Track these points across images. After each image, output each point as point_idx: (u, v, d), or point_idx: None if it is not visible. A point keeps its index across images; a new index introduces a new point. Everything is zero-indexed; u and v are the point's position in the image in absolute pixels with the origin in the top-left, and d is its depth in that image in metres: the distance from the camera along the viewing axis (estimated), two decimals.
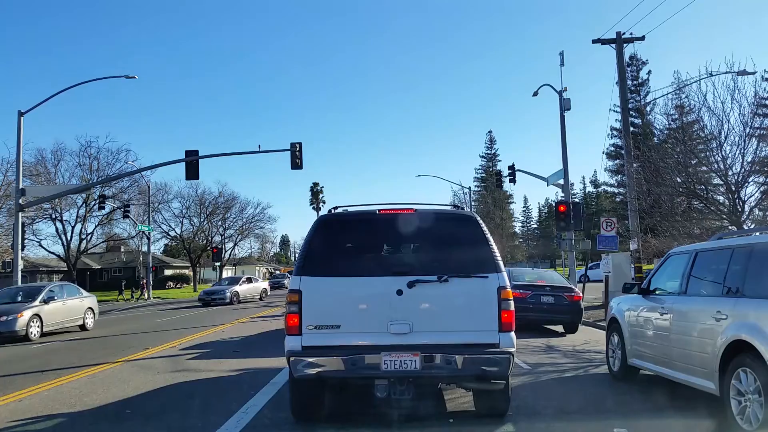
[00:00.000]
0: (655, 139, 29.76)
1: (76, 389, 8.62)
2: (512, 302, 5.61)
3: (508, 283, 5.67)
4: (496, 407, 6.22)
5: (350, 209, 6.55)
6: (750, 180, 14.11)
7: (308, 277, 5.68)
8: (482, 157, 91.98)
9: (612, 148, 55.98)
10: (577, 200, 45.02)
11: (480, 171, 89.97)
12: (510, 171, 33.02)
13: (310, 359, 5.45)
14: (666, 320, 7.04)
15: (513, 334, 5.58)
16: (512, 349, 5.51)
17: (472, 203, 63.07)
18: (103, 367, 10.77)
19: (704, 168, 14.96)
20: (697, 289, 6.77)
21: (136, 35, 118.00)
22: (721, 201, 14.52)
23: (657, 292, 7.76)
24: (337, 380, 5.70)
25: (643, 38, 22.10)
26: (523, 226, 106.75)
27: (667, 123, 22.12)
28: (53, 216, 49.96)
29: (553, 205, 43.36)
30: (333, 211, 6.47)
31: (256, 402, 7.24)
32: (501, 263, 5.78)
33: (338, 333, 5.55)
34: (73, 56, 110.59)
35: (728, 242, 6.61)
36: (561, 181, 28.48)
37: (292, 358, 5.51)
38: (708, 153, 14.74)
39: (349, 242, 6.28)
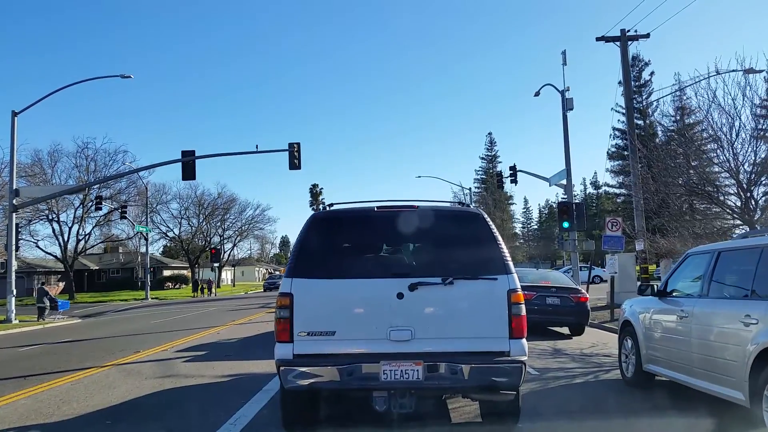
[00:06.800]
0: (657, 140, 29.32)
1: (57, 397, 8.12)
2: (524, 306, 5.13)
3: (518, 286, 5.19)
4: (504, 419, 5.74)
5: (347, 206, 6.05)
6: (763, 179, 13.63)
7: (300, 279, 5.18)
8: (482, 158, 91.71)
9: (614, 149, 55.65)
10: (578, 201, 44.55)
11: (480, 172, 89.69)
12: (511, 171, 32.65)
13: (303, 369, 4.95)
14: (686, 324, 6.56)
15: (524, 341, 5.10)
16: (524, 358, 5.04)
17: (473, 204, 62.62)
18: (90, 371, 10.28)
19: (716, 168, 14.48)
20: (721, 291, 6.29)
21: (133, 35, 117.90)
22: (732, 200, 14.04)
23: (675, 294, 7.28)
24: (331, 392, 5.22)
25: (648, 36, 21.70)
26: (523, 227, 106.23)
27: (673, 120, 21.69)
28: (50, 217, 49.62)
29: (554, 206, 42.95)
30: (328, 208, 5.98)
31: (246, 412, 6.74)
32: (511, 264, 5.29)
33: (333, 340, 5.05)
34: (70, 56, 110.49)
35: (756, 241, 6.11)
36: (564, 182, 28.07)
37: (282, 368, 5.00)
38: (719, 151, 14.26)
39: (345, 242, 5.76)
